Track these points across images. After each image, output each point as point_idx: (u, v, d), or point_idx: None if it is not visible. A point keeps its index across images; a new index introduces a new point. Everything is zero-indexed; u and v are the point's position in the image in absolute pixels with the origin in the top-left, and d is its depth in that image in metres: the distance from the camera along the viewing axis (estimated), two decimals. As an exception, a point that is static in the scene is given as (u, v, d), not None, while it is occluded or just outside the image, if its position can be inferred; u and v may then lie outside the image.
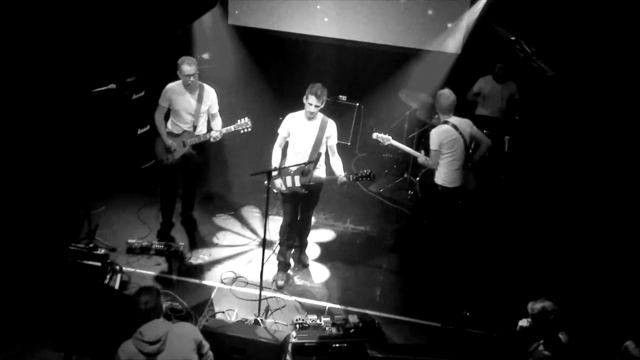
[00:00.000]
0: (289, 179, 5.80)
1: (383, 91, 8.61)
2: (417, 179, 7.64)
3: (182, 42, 8.40)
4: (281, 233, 6.15)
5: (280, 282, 6.10)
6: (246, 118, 6.17)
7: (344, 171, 5.84)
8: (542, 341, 4.24)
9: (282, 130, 5.87)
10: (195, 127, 6.28)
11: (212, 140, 6.26)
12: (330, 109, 8.59)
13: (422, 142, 7.99)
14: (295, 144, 5.81)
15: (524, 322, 4.45)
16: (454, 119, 6.06)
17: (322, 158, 5.87)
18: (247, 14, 9.03)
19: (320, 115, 5.78)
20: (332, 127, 5.81)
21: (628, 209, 7.31)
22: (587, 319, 5.69)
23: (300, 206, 6.09)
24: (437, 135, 6.03)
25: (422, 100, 7.81)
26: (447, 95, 6.04)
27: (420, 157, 6.23)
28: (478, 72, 7.98)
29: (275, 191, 5.86)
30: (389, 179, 8.04)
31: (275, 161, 5.85)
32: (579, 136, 8.05)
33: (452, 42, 8.72)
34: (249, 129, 6.18)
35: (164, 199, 6.66)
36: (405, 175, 7.95)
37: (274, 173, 5.72)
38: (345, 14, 8.77)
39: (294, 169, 5.76)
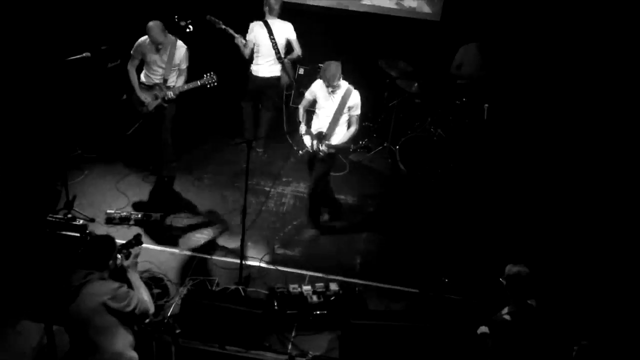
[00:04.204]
0: (307, 139, 6.00)
1: (362, 59, 8.55)
2: (397, 147, 7.66)
3: (158, 7, 8.22)
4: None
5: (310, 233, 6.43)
6: (211, 72, 6.34)
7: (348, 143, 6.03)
8: (506, 307, 4.30)
9: (308, 93, 6.06)
10: (165, 81, 6.45)
11: (170, 96, 6.40)
12: (310, 77, 8.54)
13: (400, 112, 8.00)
14: (319, 109, 5.98)
15: (482, 329, 4.47)
16: None
17: (341, 127, 5.97)
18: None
19: (345, 86, 5.87)
20: (355, 98, 5.87)
21: (606, 175, 7.42)
22: (560, 287, 5.81)
23: (314, 174, 6.20)
24: None
25: (402, 69, 7.78)
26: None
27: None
28: (459, 39, 7.95)
29: (300, 151, 6.15)
30: (368, 148, 8.04)
31: (301, 121, 6.06)
32: (559, 103, 8.12)
33: (431, 8, 8.65)
34: (215, 83, 6.35)
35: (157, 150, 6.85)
36: (385, 144, 7.95)
37: (303, 131, 5.99)
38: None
39: (313, 132, 5.96)
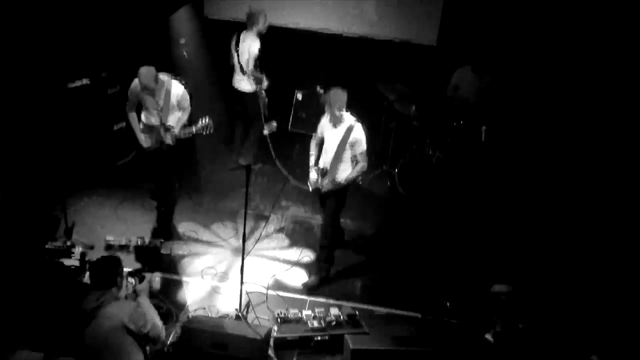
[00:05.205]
0: (314, 175, 5.89)
1: (360, 82, 8.60)
2: (396, 170, 7.68)
3: (158, 35, 8.29)
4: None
5: (309, 282, 6.06)
6: (207, 118, 6.06)
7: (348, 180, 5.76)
8: (492, 330, 4.28)
9: (317, 129, 5.96)
10: (163, 124, 6.22)
11: (168, 142, 6.18)
12: (308, 101, 8.60)
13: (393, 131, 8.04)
14: (325, 144, 5.85)
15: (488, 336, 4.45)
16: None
17: (346, 163, 5.77)
18: (223, 6, 8.95)
19: (348, 120, 5.69)
20: (357, 133, 5.66)
21: (603, 197, 7.43)
22: (558, 311, 5.80)
23: (326, 213, 6.07)
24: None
25: (399, 92, 7.82)
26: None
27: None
28: (455, 63, 8.01)
29: (310, 187, 5.96)
30: (367, 171, 8.03)
31: (312, 156, 5.96)
32: (556, 125, 8.16)
33: (427, 33, 8.74)
34: (212, 130, 6.08)
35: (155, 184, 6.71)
36: (384, 167, 7.98)
37: (311, 164, 5.90)
38: (320, 4, 8.75)
39: (320, 166, 5.83)
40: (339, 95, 5.63)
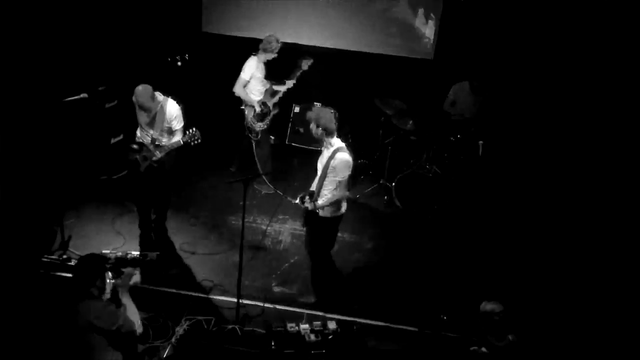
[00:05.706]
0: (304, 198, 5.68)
1: (358, 97, 8.64)
2: (393, 184, 7.69)
3: (154, 49, 8.34)
4: None
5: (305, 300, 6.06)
6: (194, 129, 5.99)
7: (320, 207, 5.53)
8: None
9: None
10: (154, 141, 6.18)
11: (158, 157, 6.09)
12: (306, 115, 8.61)
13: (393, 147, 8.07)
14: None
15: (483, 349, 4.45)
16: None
17: (327, 189, 5.54)
18: (221, 21, 9.01)
19: (335, 145, 5.46)
20: (336, 159, 5.36)
21: (599, 212, 7.45)
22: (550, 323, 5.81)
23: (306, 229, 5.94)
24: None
25: (397, 107, 7.85)
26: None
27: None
28: (452, 77, 8.06)
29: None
30: (365, 185, 8.06)
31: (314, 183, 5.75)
32: (554, 140, 8.21)
33: (424, 48, 8.81)
34: (199, 140, 6.00)
35: (137, 204, 6.60)
36: (381, 181, 7.99)
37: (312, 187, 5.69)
38: (318, 20, 8.81)
39: (311, 189, 5.65)
40: (320, 112, 5.49)
